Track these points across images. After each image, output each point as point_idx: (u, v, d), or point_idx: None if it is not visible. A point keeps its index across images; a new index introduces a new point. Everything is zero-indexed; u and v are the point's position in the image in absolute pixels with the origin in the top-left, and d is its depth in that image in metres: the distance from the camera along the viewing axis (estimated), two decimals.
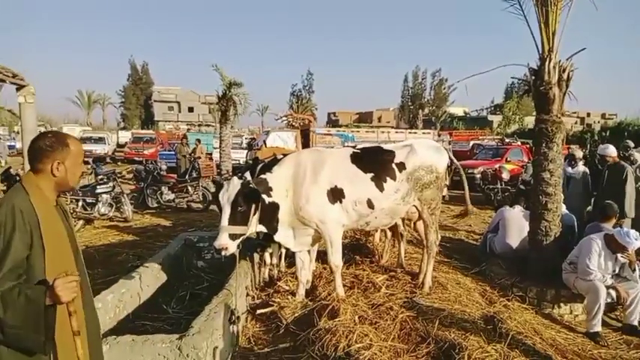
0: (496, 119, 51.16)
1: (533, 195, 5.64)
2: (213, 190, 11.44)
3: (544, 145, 5.43)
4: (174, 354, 2.73)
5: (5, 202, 1.84)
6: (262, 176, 4.33)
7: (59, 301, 1.75)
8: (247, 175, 4.28)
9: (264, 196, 4.23)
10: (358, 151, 4.86)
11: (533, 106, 5.65)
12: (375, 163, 4.72)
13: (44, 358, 1.83)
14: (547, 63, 5.28)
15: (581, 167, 7.75)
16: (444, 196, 5.62)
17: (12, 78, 9.61)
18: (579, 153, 8.35)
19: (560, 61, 5.33)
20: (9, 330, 1.71)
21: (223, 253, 3.93)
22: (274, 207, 4.34)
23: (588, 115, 65.17)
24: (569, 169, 7.59)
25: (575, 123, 57.50)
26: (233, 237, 3.95)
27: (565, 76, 5.30)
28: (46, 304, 1.75)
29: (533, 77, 5.46)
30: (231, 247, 3.93)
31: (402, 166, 4.76)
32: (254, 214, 4.08)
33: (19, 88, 10.37)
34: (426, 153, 4.91)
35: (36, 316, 1.73)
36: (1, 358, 1.81)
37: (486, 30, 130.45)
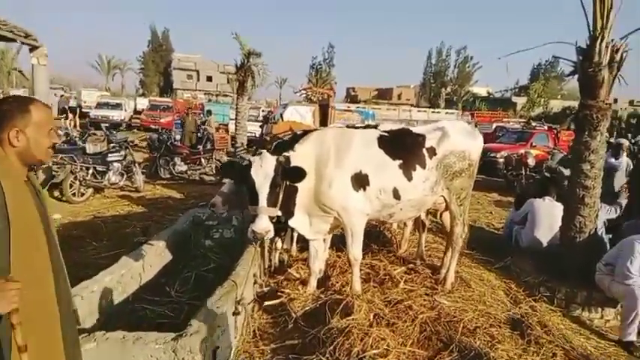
0: (520, 101, 49.69)
1: (569, 187, 5.19)
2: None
3: (586, 133, 4.93)
4: (168, 356, 2.43)
5: None
6: (285, 154, 3.86)
7: None
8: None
9: None
10: (386, 134, 4.40)
11: (578, 90, 5.14)
12: (404, 148, 4.27)
13: None
14: (598, 42, 4.72)
15: (624, 158, 7.21)
16: None
17: (24, 38, 9.29)
18: (626, 142, 7.77)
19: (612, 40, 4.78)
20: None
21: (266, 237, 3.62)
22: (293, 189, 3.89)
23: (615, 101, 62.90)
24: (613, 160, 7.07)
25: None
26: (271, 219, 3.60)
27: (617, 57, 4.76)
28: None
29: (580, 58, 4.92)
30: (272, 230, 3.59)
31: (432, 152, 4.33)
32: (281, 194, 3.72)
33: (32, 49, 10.10)
34: (459, 137, 4.46)
35: None
36: None
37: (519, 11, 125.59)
